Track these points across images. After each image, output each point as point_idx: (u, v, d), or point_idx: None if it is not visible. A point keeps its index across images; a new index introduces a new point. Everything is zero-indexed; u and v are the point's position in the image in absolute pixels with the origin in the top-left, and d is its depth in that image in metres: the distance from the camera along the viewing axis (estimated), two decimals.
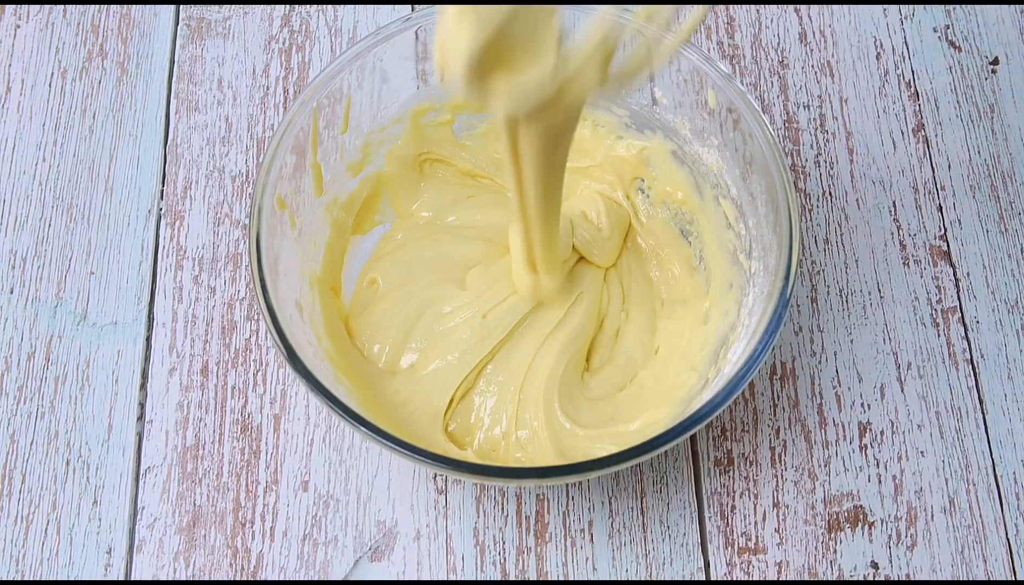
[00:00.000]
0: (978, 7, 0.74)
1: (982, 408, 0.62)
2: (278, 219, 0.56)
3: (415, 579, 0.58)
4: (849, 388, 0.63)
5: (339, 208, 0.63)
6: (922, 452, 0.61)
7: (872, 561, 0.59)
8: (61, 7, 0.73)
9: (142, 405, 0.62)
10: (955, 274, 0.66)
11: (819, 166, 0.69)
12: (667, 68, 0.63)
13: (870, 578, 0.58)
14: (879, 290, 0.65)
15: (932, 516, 0.60)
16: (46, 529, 0.59)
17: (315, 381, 0.51)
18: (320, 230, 0.61)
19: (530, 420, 0.58)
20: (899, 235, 0.67)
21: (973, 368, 0.63)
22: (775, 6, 0.74)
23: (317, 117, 0.58)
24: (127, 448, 0.61)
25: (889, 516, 0.60)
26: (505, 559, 0.58)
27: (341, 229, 0.63)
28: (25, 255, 0.66)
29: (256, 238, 0.54)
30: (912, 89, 0.71)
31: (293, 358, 0.51)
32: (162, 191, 0.68)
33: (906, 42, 0.73)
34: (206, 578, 0.58)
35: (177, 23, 0.73)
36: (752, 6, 0.74)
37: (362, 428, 0.50)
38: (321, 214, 0.61)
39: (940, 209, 0.68)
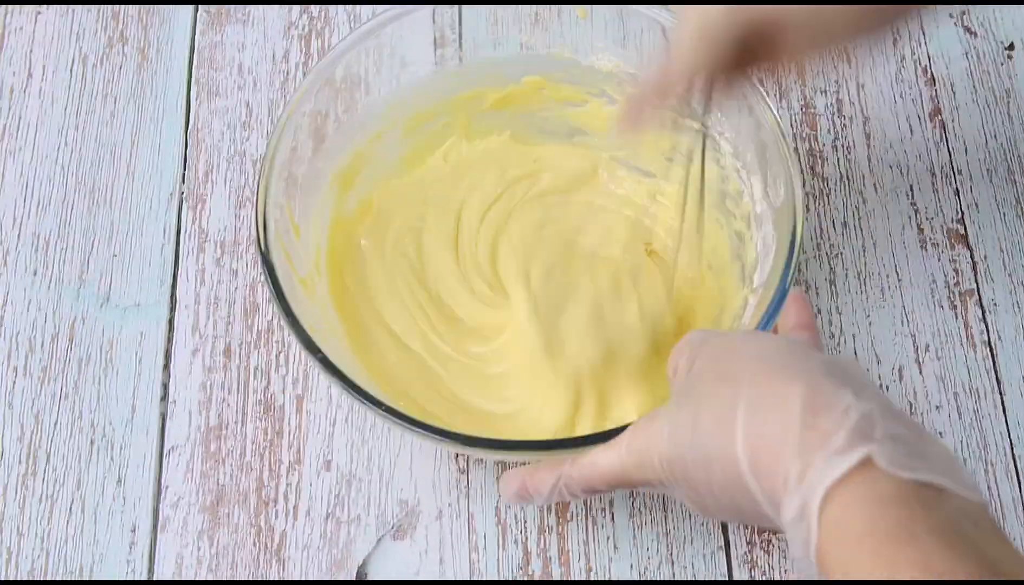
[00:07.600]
0: None
1: (1000, 389, 0.63)
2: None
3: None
4: (868, 370, 0.63)
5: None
6: (940, 433, 0.62)
7: None
8: None
9: (165, 386, 0.62)
10: (972, 257, 0.66)
11: (836, 150, 0.69)
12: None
13: None
14: (897, 273, 0.66)
15: None
16: (71, 507, 0.59)
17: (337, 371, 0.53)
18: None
19: None
20: (916, 218, 0.67)
21: (991, 350, 0.64)
22: None
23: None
24: (151, 428, 0.61)
25: None
26: (527, 537, 0.58)
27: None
28: (48, 237, 0.66)
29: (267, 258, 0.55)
30: (928, 74, 0.72)
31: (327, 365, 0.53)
32: (184, 175, 0.68)
33: (922, 28, 0.73)
34: (230, 556, 0.58)
35: (197, 9, 0.73)
36: None
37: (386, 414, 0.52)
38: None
39: (957, 193, 0.68)
